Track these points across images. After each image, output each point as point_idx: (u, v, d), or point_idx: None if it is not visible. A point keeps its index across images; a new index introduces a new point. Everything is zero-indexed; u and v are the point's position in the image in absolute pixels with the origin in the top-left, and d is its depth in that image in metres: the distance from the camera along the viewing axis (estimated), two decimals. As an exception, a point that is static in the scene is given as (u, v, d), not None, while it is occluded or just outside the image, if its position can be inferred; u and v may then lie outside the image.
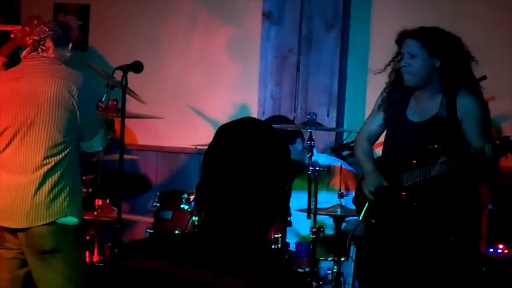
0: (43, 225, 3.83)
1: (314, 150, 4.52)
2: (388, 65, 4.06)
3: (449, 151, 3.78)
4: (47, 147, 3.84)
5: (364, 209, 4.07)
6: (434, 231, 3.84)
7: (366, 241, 4.15)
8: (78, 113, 3.89)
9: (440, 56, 3.89)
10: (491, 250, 4.55)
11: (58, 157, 3.86)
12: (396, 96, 4.06)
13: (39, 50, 3.96)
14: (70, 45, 4.06)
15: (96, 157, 4.94)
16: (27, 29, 3.98)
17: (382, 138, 4.24)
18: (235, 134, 1.94)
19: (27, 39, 3.97)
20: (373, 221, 4.05)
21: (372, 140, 4.22)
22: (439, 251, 3.84)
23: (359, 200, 4.12)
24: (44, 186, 3.83)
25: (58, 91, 3.85)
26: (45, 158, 3.84)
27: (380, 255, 4.03)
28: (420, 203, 3.86)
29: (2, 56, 4.82)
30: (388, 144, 4.13)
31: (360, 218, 4.09)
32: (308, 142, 4.17)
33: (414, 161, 3.87)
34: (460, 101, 3.87)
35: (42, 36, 3.96)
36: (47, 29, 3.97)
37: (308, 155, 4.14)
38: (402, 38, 3.97)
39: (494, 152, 3.62)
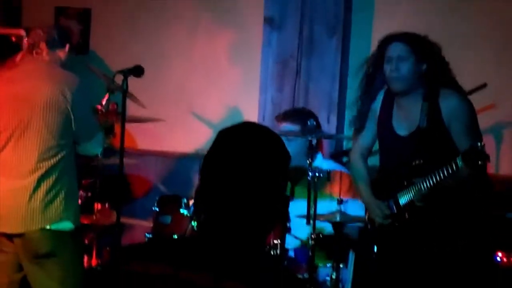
0: (38, 230, 3.82)
1: (319, 155, 4.51)
2: (367, 69, 3.95)
3: (432, 165, 3.63)
4: (41, 151, 3.82)
5: None
6: (440, 243, 3.76)
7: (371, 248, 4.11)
8: (72, 117, 3.87)
9: (427, 60, 3.80)
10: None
11: (53, 161, 3.84)
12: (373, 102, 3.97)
13: (34, 53, 3.96)
14: (66, 47, 4.05)
15: (96, 161, 4.93)
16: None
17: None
18: (235, 138, 1.94)
19: (23, 42, 3.99)
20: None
21: (366, 155, 4.12)
22: (447, 262, 3.77)
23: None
24: (38, 190, 3.81)
25: (52, 95, 3.84)
26: (39, 162, 3.82)
27: (387, 266, 4.00)
28: (422, 219, 3.78)
29: None
30: (383, 158, 4.02)
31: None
32: (309, 150, 4.16)
33: (405, 182, 3.78)
34: (443, 103, 3.75)
35: (36, 40, 3.97)
36: (41, 33, 3.98)
37: (308, 161, 4.12)
38: (388, 41, 3.86)
39: (466, 163, 3.41)
